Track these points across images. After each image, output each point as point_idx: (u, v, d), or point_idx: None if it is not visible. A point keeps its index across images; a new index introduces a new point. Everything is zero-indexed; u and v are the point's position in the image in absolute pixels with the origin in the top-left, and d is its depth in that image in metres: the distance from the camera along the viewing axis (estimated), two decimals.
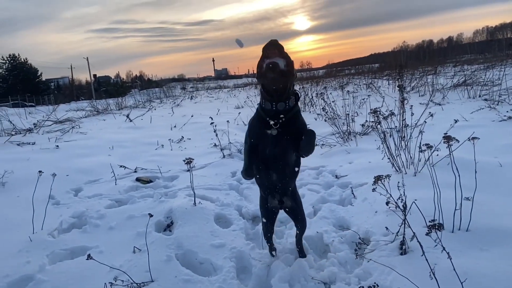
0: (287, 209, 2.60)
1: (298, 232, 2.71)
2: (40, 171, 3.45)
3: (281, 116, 2.16)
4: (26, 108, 18.61)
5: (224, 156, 6.03)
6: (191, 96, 23.38)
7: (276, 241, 3.04)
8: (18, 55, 57.97)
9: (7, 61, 56.97)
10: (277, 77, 2.03)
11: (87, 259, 2.28)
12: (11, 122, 9.68)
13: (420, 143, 3.45)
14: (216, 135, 6.35)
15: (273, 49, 2.04)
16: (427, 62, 28.57)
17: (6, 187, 4.48)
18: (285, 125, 2.18)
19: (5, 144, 7.19)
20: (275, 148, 2.22)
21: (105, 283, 2.36)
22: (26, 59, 58.34)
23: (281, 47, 2.06)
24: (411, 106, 5.14)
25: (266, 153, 2.26)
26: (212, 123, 6.36)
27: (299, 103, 2.32)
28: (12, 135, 8.32)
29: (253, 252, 2.86)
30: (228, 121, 7.74)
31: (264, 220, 2.65)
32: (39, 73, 60.01)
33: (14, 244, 3.05)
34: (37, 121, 10.59)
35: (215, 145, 6.75)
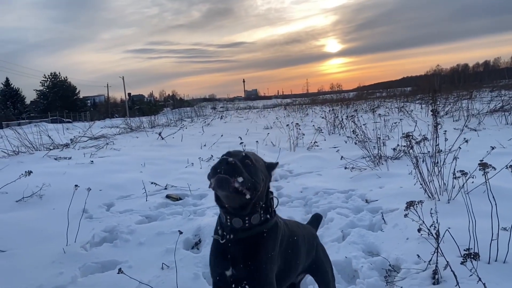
0: None
1: None
2: (76, 185, 3.58)
3: (230, 235, 1.59)
4: (64, 124, 19.43)
5: None
6: (221, 116, 23.76)
7: None
8: (59, 73, 61.18)
9: (48, 79, 60.03)
10: (230, 196, 1.51)
11: (118, 273, 2.33)
12: (49, 137, 10.13)
13: (454, 169, 3.36)
14: None
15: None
16: (462, 86, 27.93)
17: (43, 199, 4.66)
18: (239, 253, 1.59)
19: (43, 158, 7.50)
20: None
21: None
22: (66, 77, 61.43)
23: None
24: (445, 131, 5.03)
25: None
26: (241, 143, 6.44)
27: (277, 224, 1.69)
28: (50, 149, 8.69)
29: None
30: (257, 141, 7.80)
31: None
32: (77, 91, 62.92)
33: (48, 255, 3.15)
34: (74, 136, 11.03)
35: None
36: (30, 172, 4.65)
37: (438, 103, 13.79)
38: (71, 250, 3.22)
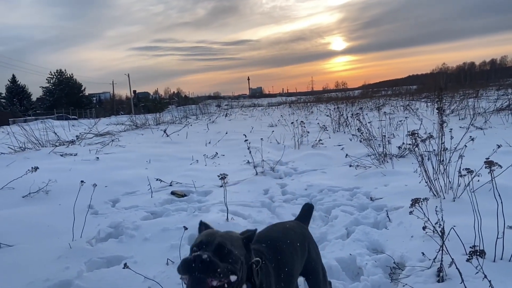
0: None
1: None
2: (82, 181, 3.61)
3: None
4: (70, 121, 19.55)
5: (256, 173, 6.07)
6: (226, 114, 23.76)
7: None
8: (65, 70, 61.48)
9: (54, 76, 60.32)
10: None
11: (124, 268, 2.35)
12: (56, 133, 10.20)
13: (460, 167, 3.35)
14: (250, 152, 6.42)
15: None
16: (468, 85, 27.76)
17: (49, 195, 4.70)
18: None
19: (49, 154, 7.56)
20: None
21: None
22: (71, 75, 61.67)
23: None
24: (451, 129, 5.00)
25: None
26: (246, 140, 6.44)
27: None
28: (56, 146, 8.75)
29: None
30: (262, 138, 7.81)
31: None
32: (82, 88, 63.11)
33: (55, 250, 3.18)
34: (80, 133, 11.11)
35: (248, 162, 6.81)
36: (36, 168, 4.69)
37: (444, 101, 13.69)
38: (77, 245, 3.25)
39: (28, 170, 4.68)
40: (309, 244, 2.06)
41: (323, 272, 2.11)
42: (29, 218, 3.92)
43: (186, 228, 2.74)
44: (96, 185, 3.74)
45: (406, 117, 10.50)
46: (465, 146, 4.26)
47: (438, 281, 2.36)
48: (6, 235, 3.37)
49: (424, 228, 2.58)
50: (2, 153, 7.45)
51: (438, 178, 3.99)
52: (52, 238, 3.47)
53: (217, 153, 8.04)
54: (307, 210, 2.37)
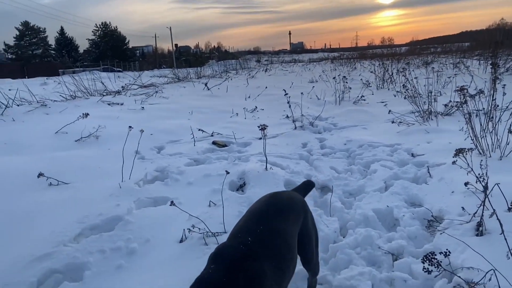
0: None
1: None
2: (130, 127, 3.79)
3: None
4: (115, 73, 20.09)
5: (295, 128, 6.09)
6: (266, 69, 23.50)
7: (345, 211, 3.08)
8: (109, 23, 62.34)
9: (99, 29, 61.51)
10: None
11: (170, 205, 2.52)
12: (103, 84, 10.59)
13: (511, 125, 3.21)
14: (290, 106, 6.41)
15: None
16: None
17: (99, 140, 4.99)
18: None
19: (98, 103, 7.91)
20: None
21: (183, 229, 2.61)
22: (116, 27, 62.55)
23: None
24: (504, 85, 4.73)
25: None
26: (286, 94, 6.42)
27: None
28: (104, 95, 9.12)
29: (321, 218, 2.92)
30: (302, 93, 7.75)
31: None
32: (126, 41, 64.11)
33: (106, 189, 3.43)
34: (125, 84, 11.44)
35: (287, 116, 6.82)
36: (87, 114, 4.96)
37: (499, 58, 12.80)
38: (126, 186, 3.48)
39: (80, 116, 4.96)
40: (306, 212, 1.91)
41: (316, 243, 2.00)
42: (81, 160, 4.21)
43: (228, 172, 2.86)
44: (143, 130, 3.92)
45: (455, 74, 9.97)
46: None
47: (477, 235, 2.35)
48: (62, 174, 3.65)
49: (466, 184, 2.55)
50: (55, 100, 7.88)
51: (485, 136, 3.85)
52: (103, 178, 3.72)
53: (256, 107, 8.09)
54: (307, 185, 2.28)
